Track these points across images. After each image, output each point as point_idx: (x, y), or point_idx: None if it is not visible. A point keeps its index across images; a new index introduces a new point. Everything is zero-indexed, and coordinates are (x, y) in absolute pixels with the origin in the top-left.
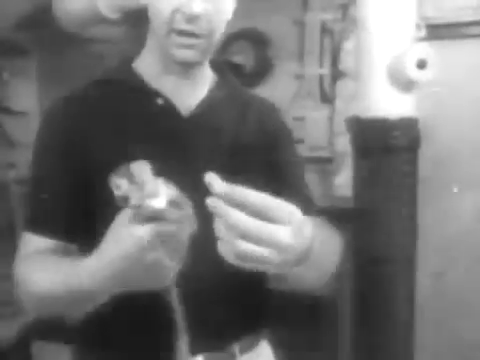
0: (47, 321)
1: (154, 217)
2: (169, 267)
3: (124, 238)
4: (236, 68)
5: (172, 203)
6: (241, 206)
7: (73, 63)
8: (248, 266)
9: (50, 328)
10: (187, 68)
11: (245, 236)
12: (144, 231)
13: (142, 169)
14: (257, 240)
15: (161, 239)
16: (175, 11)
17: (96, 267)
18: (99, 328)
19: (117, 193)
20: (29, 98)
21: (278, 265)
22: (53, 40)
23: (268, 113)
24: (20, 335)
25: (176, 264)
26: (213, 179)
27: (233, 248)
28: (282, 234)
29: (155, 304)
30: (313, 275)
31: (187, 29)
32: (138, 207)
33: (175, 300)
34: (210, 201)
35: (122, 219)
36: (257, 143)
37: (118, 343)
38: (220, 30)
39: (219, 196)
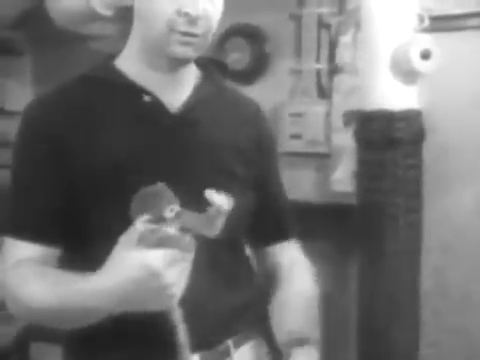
0: None
1: (164, 242)
2: (174, 290)
3: (133, 262)
4: (220, 66)
5: (183, 229)
6: None
7: (68, 62)
8: None
9: (48, 329)
10: (179, 65)
11: None
12: (155, 257)
13: (163, 192)
14: None
15: (169, 264)
16: (177, 12)
17: (101, 288)
18: (91, 340)
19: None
20: (23, 98)
21: None
22: (47, 39)
23: (253, 114)
24: (19, 337)
25: (180, 287)
26: None
27: None
28: None
29: (154, 319)
30: None
31: (188, 31)
32: (152, 231)
33: (178, 320)
34: None
35: (129, 240)
36: (242, 143)
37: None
38: (215, 28)
39: None
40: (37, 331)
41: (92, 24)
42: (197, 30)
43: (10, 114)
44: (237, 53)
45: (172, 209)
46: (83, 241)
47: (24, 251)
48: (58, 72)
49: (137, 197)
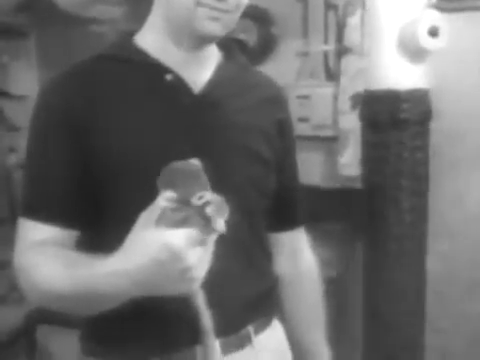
0: None
1: (186, 221)
2: (197, 273)
3: (154, 242)
4: (240, 45)
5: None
6: None
7: (73, 45)
8: None
9: (56, 312)
10: (204, 43)
11: None
12: (176, 237)
13: (196, 174)
14: None
15: (192, 245)
16: None
17: (119, 270)
18: (111, 324)
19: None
20: (29, 81)
21: None
22: (52, 22)
23: (275, 96)
24: (27, 321)
25: (203, 269)
26: None
27: None
28: None
29: (177, 304)
30: None
31: (217, 6)
32: (174, 210)
33: (202, 304)
34: None
35: (148, 220)
36: (265, 125)
37: (133, 341)
38: (243, 6)
39: None
40: (46, 314)
41: (95, 7)
42: (226, 6)
43: (16, 97)
44: (244, 35)
45: (201, 197)
46: (101, 223)
47: (39, 233)
48: (62, 55)
49: (167, 169)
